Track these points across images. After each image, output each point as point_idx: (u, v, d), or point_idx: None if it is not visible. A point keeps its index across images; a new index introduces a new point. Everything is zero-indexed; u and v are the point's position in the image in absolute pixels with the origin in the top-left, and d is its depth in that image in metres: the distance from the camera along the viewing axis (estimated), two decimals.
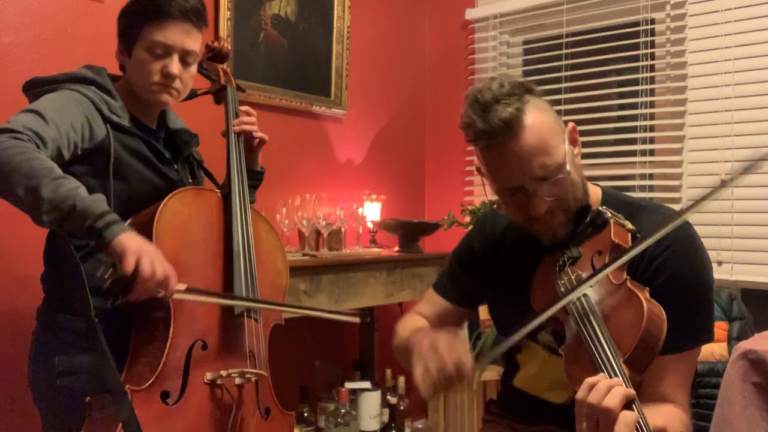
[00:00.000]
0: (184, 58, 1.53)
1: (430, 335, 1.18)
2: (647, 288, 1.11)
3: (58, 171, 1.25)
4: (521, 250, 1.35)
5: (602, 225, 1.18)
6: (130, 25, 1.53)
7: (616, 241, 1.13)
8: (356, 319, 1.60)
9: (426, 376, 1.10)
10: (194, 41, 1.55)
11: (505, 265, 1.38)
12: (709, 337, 1.20)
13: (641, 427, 0.88)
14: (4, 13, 1.94)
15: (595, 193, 1.32)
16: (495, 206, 1.32)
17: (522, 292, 1.28)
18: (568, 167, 1.18)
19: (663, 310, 1.06)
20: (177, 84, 1.54)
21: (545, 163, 1.17)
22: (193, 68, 1.58)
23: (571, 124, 1.25)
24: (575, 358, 1.07)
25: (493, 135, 1.17)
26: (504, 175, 1.21)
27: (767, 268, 2.38)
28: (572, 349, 1.10)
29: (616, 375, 0.97)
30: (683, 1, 2.59)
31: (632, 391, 0.92)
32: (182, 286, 1.31)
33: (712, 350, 1.92)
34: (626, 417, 0.89)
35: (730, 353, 1.61)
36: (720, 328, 1.99)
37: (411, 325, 1.42)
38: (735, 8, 2.45)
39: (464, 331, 2.73)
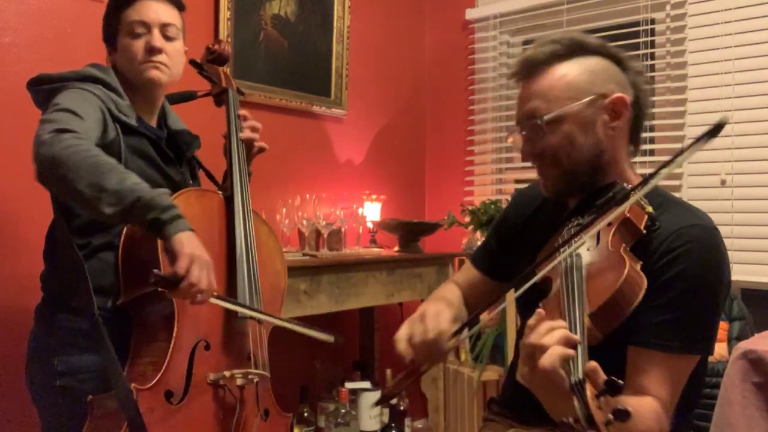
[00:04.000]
0: (165, 32, 1.55)
1: (427, 305, 1.28)
2: (641, 263, 1.10)
3: (122, 167, 1.28)
4: (549, 224, 1.35)
5: (622, 200, 1.18)
6: (109, 20, 1.57)
7: (629, 215, 1.13)
8: (330, 339, 1.57)
9: (405, 337, 1.21)
10: (171, 15, 1.57)
11: (533, 238, 1.38)
12: (700, 348, 1.14)
13: (575, 367, 0.88)
14: (4, 13, 1.94)
15: (632, 179, 1.30)
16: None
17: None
18: (546, 117, 1.21)
19: (645, 281, 1.06)
20: (163, 58, 1.55)
21: (537, 107, 1.23)
22: (178, 43, 1.59)
23: (617, 96, 1.22)
24: (548, 312, 1.06)
25: (516, 72, 1.27)
26: (516, 111, 1.30)
27: (767, 268, 2.39)
28: (549, 304, 1.11)
29: (574, 326, 0.97)
30: (683, 1, 2.59)
31: (575, 337, 0.93)
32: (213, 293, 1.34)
33: None
34: (553, 350, 0.90)
35: (730, 353, 1.61)
36: (720, 328, 1.98)
37: (440, 293, 1.48)
38: (735, 8, 2.45)
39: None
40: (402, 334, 1.22)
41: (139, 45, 1.53)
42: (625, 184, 1.21)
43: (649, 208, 1.16)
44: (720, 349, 1.94)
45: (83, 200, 1.26)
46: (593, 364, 0.88)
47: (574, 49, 1.24)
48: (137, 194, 1.25)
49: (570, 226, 1.24)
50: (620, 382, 0.83)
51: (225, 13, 2.45)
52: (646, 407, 1.07)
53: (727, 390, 1.34)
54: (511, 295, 1.22)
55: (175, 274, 1.24)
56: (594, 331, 1.00)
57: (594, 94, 1.22)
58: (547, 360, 0.90)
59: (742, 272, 2.41)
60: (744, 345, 1.37)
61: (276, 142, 2.65)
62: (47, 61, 1.97)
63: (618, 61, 1.27)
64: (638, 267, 1.08)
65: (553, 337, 0.92)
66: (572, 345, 0.92)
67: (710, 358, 1.83)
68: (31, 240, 1.56)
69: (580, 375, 0.87)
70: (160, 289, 1.27)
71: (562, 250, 1.13)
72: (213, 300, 1.34)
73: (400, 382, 1.30)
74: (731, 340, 1.98)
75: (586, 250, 1.13)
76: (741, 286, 2.43)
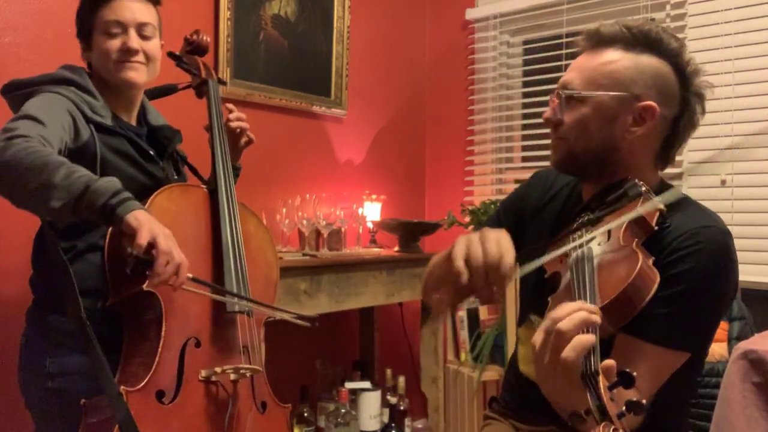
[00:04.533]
0: (141, 31, 1.54)
1: (484, 230, 1.11)
2: (653, 258, 1.09)
3: (71, 163, 1.26)
4: (562, 214, 1.34)
5: (633, 197, 1.17)
6: (84, 18, 1.56)
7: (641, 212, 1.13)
8: (306, 324, 1.53)
9: (462, 256, 1.06)
10: (147, 13, 1.56)
11: (543, 225, 1.37)
12: (693, 347, 1.15)
13: (589, 357, 0.87)
14: (4, 13, 1.94)
15: (652, 181, 1.29)
16: None
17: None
18: (569, 92, 1.22)
19: (658, 275, 1.05)
20: (140, 58, 1.54)
21: (571, 80, 1.24)
22: (155, 41, 1.58)
23: (648, 104, 1.20)
24: (558, 303, 1.07)
25: (582, 38, 1.28)
26: None
27: (767, 268, 2.38)
28: (559, 296, 1.10)
29: None
30: (683, 1, 2.59)
31: (596, 317, 0.91)
32: (189, 275, 1.30)
33: (712, 350, 1.92)
34: (580, 338, 0.88)
35: (730, 353, 1.60)
36: (720, 328, 1.98)
37: None
38: (735, 8, 2.45)
39: (464, 332, 2.73)
40: (459, 252, 1.07)
41: (114, 45, 1.52)
42: (636, 181, 1.19)
43: (661, 205, 1.15)
44: (720, 349, 1.93)
45: (35, 201, 1.24)
46: (611, 362, 0.87)
47: (641, 42, 1.22)
48: (85, 183, 1.21)
49: (580, 221, 1.23)
50: (634, 374, 0.83)
51: (225, 13, 2.45)
52: None
53: (727, 390, 1.33)
54: (511, 294, 1.21)
55: (139, 247, 1.19)
56: (605, 325, 0.99)
57: (627, 92, 1.20)
58: (571, 353, 0.88)
59: (742, 272, 2.34)
60: (744, 345, 1.36)
61: (276, 142, 2.66)
62: (47, 61, 1.96)
63: (681, 74, 1.24)
64: (650, 262, 1.08)
65: (575, 318, 0.89)
66: (593, 327, 0.90)
67: (710, 358, 1.83)
68: (23, 244, 1.56)
69: (593, 367, 0.86)
70: (137, 277, 1.24)
71: (570, 242, 1.14)
72: (187, 287, 1.30)
73: (451, 299, 1.13)
74: (731, 340, 1.98)
75: (597, 245, 1.13)
76: (741, 286, 2.43)
